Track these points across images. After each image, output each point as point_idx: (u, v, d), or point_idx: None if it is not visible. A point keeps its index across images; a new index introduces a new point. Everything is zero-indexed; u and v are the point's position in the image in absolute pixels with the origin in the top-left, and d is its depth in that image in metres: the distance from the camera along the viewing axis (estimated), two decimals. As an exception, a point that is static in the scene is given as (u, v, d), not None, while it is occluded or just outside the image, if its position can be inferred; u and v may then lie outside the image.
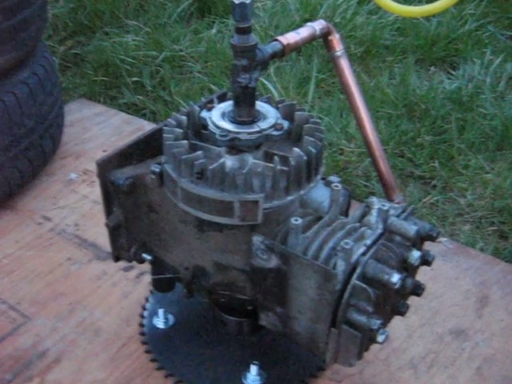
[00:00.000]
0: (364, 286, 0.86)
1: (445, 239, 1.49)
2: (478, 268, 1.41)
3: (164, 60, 2.30)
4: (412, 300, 1.30)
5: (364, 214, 0.97)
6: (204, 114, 0.99)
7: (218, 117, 0.97)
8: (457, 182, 1.80)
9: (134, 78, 2.22)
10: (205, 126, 0.98)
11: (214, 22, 2.55)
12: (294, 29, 2.39)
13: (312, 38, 1.23)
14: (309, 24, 1.25)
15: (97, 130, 1.86)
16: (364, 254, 0.89)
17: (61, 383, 1.15)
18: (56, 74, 1.71)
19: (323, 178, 1.00)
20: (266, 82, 2.09)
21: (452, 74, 2.30)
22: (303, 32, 1.21)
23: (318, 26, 1.25)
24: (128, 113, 2.04)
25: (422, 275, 1.36)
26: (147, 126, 1.88)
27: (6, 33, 1.41)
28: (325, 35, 1.27)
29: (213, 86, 2.15)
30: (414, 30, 2.49)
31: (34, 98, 1.52)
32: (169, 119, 1.01)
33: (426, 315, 1.29)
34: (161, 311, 1.21)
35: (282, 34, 2.36)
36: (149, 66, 2.27)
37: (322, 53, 2.35)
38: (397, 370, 1.18)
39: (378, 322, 0.87)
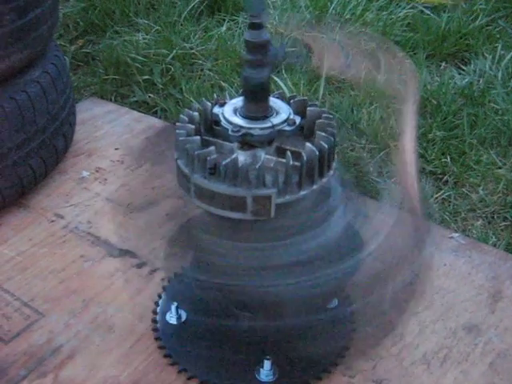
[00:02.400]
0: None
1: (457, 234, 1.48)
2: (491, 263, 1.40)
3: (174, 58, 2.30)
4: (424, 296, 1.31)
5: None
6: (216, 109, 0.99)
7: (230, 112, 0.97)
8: (469, 178, 1.79)
9: (145, 77, 2.23)
10: (217, 122, 0.99)
11: (224, 20, 2.55)
12: (304, 26, 2.41)
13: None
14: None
15: (108, 128, 1.87)
16: None
17: (74, 379, 1.15)
18: (67, 72, 1.72)
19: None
20: (276, 78, 2.09)
21: (463, 70, 2.29)
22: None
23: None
24: (139, 111, 2.04)
25: (435, 270, 1.37)
26: (158, 124, 1.89)
27: (18, 32, 1.41)
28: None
29: (223, 84, 2.15)
30: (424, 25, 2.48)
31: (46, 97, 1.52)
32: (181, 115, 1.02)
33: (439, 310, 1.29)
34: (173, 307, 1.21)
35: (291, 31, 2.37)
36: (159, 64, 2.28)
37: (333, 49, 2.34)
38: (410, 366, 1.18)
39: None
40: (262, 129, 0.94)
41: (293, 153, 0.93)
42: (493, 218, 1.67)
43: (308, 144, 0.93)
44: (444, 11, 2.54)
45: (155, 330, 1.22)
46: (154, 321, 1.23)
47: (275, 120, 0.96)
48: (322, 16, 2.48)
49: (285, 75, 2.15)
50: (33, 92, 1.48)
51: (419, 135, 1.93)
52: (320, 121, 0.99)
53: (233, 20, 2.55)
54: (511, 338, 1.23)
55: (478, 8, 2.57)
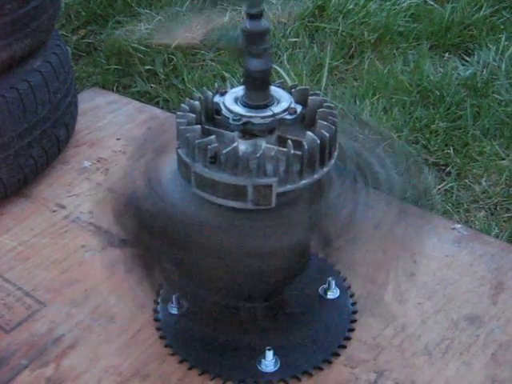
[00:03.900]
0: None
1: (459, 226, 1.48)
2: (493, 254, 1.39)
3: (177, 48, 2.30)
4: (426, 287, 1.31)
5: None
6: (217, 98, 0.99)
7: (231, 101, 0.97)
8: (472, 169, 1.79)
9: (147, 67, 2.23)
10: (218, 111, 0.98)
11: (226, 10, 2.54)
12: (307, 16, 2.40)
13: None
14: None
15: (110, 118, 1.86)
16: None
17: (76, 369, 1.15)
18: (69, 62, 1.71)
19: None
20: (278, 68, 2.09)
21: (467, 61, 2.28)
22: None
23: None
24: (141, 101, 2.04)
25: (437, 262, 1.36)
26: (160, 114, 1.88)
27: (20, 21, 1.40)
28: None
29: (226, 74, 2.14)
30: (428, 16, 2.47)
31: (47, 86, 1.52)
32: (182, 104, 1.01)
33: (441, 301, 1.28)
34: (175, 297, 1.21)
35: (294, 21, 2.37)
36: (161, 54, 2.27)
37: (336, 40, 2.34)
38: (411, 356, 1.17)
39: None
40: (262, 117, 0.93)
41: (294, 142, 0.92)
42: (495, 209, 1.67)
43: (309, 133, 0.93)
44: (448, 2, 2.53)
45: (156, 320, 1.22)
46: (155, 311, 1.23)
47: (276, 109, 0.95)
48: (324, 6, 2.47)
49: (287, 66, 2.14)
50: (34, 82, 1.47)
51: (422, 126, 1.92)
52: (321, 110, 0.98)
53: (235, 10, 2.54)
54: (513, 329, 1.23)
55: (482, -2, 2.56)
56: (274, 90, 0.99)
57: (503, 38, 2.33)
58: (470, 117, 1.95)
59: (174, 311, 1.21)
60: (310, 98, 1.01)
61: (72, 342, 1.20)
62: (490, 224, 1.60)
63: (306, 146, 0.91)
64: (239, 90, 0.99)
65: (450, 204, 1.67)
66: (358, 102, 2.02)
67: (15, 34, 1.41)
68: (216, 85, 1.06)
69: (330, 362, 1.14)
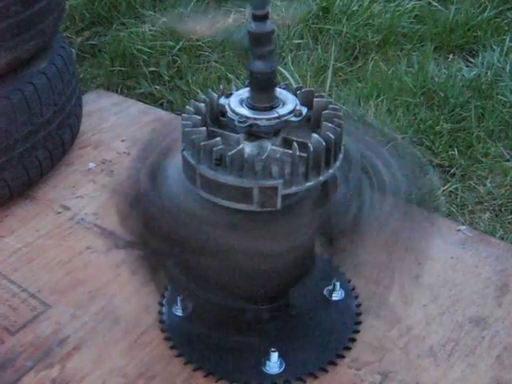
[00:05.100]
0: None
1: (464, 227, 1.48)
2: (498, 256, 1.39)
3: (181, 50, 2.30)
4: (431, 289, 1.31)
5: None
6: (222, 100, 0.99)
7: (236, 103, 0.97)
8: (476, 170, 1.78)
9: (151, 68, 2.23)
10: (223, 113, 0.98)
11: (230, 12, 2.55)
12: (311, 17, 2.40)
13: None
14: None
15: (114, 119, 1.86)
16: None
17: (81, 370, 1.15)
18: (74, 64, 1.72)
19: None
20: (283, 70, 2.09)
21: (471, 62, 2.28)
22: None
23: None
24: (145, 103, 2.04)
25: (442, 263, 1.36)
26: (165, 116, 1.88)
27: (25, 23, 1.41)
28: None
29: (230, 75, 2.14)
30: (432, 17, 2.47)
31: (52, 88, 1.52)
32: (187, 106, 1.01)
33: (446, 303, 1.28)
34: (179, 299, 1.21)
35: (298, 23, 2.37)
36: (166, 55, 2.28)
37: (340, 41, 2.34)
38: (416, 358, 1.17)
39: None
40: (268, 119, 0.94)
41: (299, 144, 0.92)
42: (500, 210, 1.67)
43: (314, 135, 0.93)
44: (452, 3, 2.53)
45: (161, 321, 1.22)
46: (160, 312, 1.23)
47: (282, 111, 0.95)
48: (328, 7, 2.47)
49: (292, 67, 2.14)
50: (39, 83, 1.48)
51: (426, 128, 1.92)
52: (327, 112, 0.98)
53: (239, 12, 2.54)
54: (518, 331, 1.23)
55: (486, 0, 2.56)
56: (280, 91, 0.99)
57: (507, 40, 2.32)
58: (475, 118, 1.95)
59: (179, 313, 1.21)
60: (315, 99, 1.01)
61: (77, 344, 1.20)
62: (495, 225, 1.60)
63: (311, 148, 0.91)
64: (244, 92, 0.99)
65: (454, 205, 1.67)
66: (362, 104, 2.02)
67: (20, 36, 1.41)
68: (221, 87, 1.06)
69: (334, 364, 1.14)
